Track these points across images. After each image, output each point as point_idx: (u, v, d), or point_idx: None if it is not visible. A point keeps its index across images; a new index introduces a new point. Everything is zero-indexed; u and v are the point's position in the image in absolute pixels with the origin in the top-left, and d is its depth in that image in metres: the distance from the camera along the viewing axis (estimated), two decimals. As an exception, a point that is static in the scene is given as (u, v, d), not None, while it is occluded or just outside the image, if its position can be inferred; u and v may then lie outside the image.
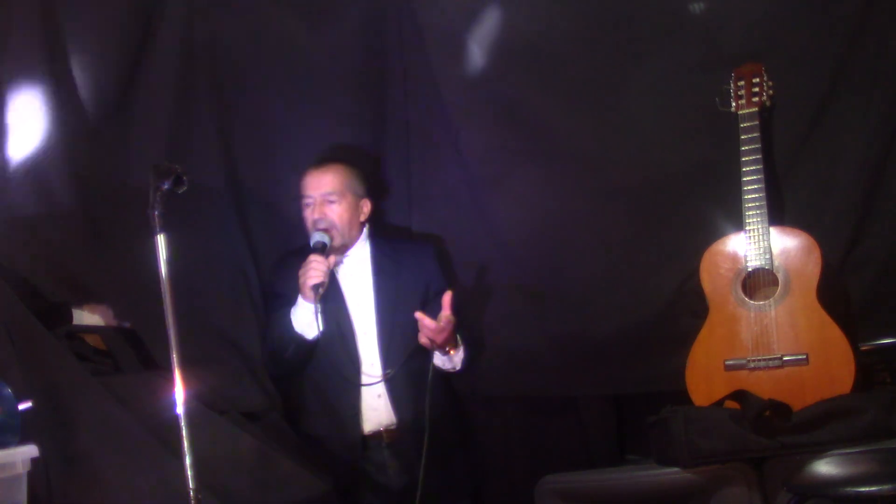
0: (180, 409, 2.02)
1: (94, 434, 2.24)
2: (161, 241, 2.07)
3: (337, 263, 2.86)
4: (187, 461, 2.00)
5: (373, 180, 3.01)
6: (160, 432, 2.32)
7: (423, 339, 2.64)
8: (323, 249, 2.74)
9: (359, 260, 2.88)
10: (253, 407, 2.82)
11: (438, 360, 2.73)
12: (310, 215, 2.82)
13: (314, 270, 2.69)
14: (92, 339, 2.66)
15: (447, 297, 2.62)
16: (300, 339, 2.76)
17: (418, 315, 2.61)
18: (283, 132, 3.08)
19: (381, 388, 2.77)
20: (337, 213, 2.81)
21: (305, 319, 2.74)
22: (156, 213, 2.08)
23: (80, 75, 2.72)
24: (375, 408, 2.77)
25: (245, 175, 3.02)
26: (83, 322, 2.70)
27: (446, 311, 2.61)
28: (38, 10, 2.59)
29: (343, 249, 2.86)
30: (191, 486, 2.00)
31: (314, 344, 2.78)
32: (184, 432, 2.01)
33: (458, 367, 2.77)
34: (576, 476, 2.65)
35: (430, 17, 3.02)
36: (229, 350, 2.86)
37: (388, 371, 2.75)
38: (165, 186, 2.08)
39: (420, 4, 3.03)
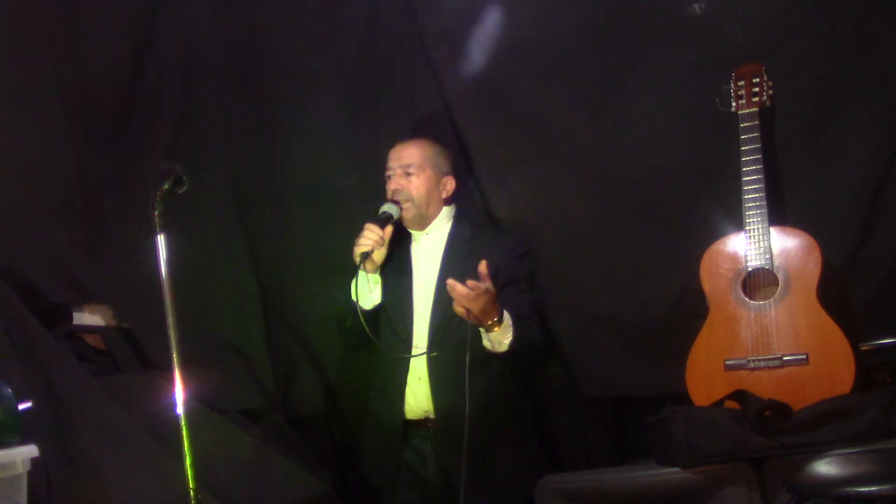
0: (180, 409, 2.03)
1: (94, 434, 2.24)
2: (161, 241, 2.08)
3: (412, 240, 2.85)
4: (187, 461, 2.00)
5: (461, 161, 2.99)
6: (160, 432, 2.32)
7: (457, 308, 2.48)
8: (388, 220, 2.73)
9: (436, 239, 2.84)
10: (253, 407, 2.82)
11: (486, 340, 2.58)
12: (389, 186, 2.82)
13: (364, 238, 2.69)
14: (92, 339, 2.66)
15: (482, 266, 2.44)
16: (356, 308, 2.72)
17: (449, 281, 2.45)
18: (283, 133, 3.08)
19: (423, 372, 2.69)
20: (415, 185, 2.80)
21: (363, 288, 2.74)
22: (156, 213, 2.08)
23: (81, 76, 2.72)
24: (416, 392, 2.70)
25: (245, 175, 3.03)
26: (83, 322, 2.70)
27: (482, 280, 2.44)
28: (43, 11, 2.60)
29: (422, 224, 2.83)
30: (191, 486, 2.00)
31: (374, 315, 2.76)
32: (184, 432, 2.01)
33: (505, 347, 2.56)
34: (576, 476, 2.65)
35: (430, 17, 3.03)
36: (229, 350, 2.86)
37: (433, 352, 2.67)
38: (165, 186, 2.09)
39: (420, 4, 3.03)
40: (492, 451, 2.66)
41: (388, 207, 2.76)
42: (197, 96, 2.94)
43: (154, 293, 2.11)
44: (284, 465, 2.70)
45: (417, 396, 2.70)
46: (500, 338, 2.56)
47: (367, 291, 2.72)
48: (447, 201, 2.88)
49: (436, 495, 2.70)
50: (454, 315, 2.53)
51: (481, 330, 2.55)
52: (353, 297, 2.76)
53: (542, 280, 2.94)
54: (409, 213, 2.80)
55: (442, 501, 2.64)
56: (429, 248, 2.85)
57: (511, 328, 2.56)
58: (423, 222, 2.84)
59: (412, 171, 2.81)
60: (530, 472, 2.66)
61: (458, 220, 2.87)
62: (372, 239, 2.69)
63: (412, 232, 2.88)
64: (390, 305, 2.80)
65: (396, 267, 2.83)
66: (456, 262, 2.74)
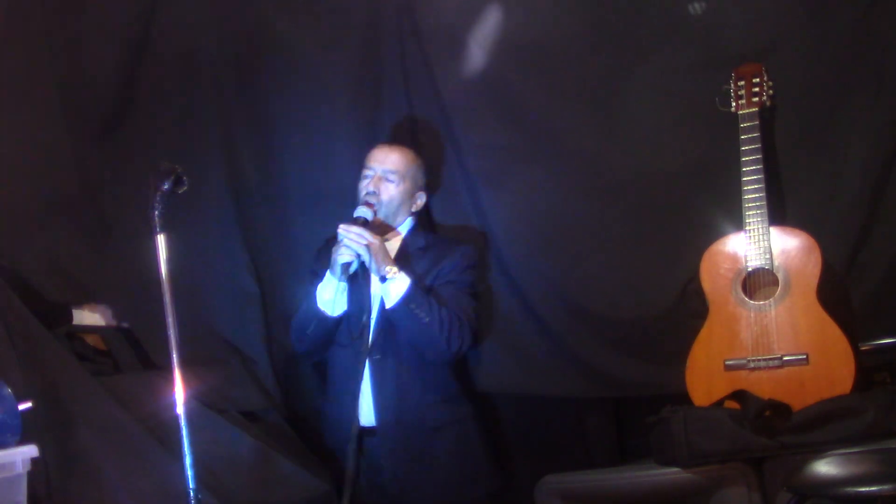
0: (180, 409, 2.03)
1: (93, 434, 2.24)
2: (161, 241, 2.08)
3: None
4: (187, 461, 2.00)
5: (454, 162, 2.99)
6: (160, 432, 2.32)
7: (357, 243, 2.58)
8: (364, 225, 2.67)
9: (391, 247, 2.79)
10: (253, 407, 2.82)
11: (385, 294, 2.62)
12: (364, 185, 2.77)
13: (352, 243, 2.60)
14: (92, 339, 2.67)
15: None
16: (321, 316, 2.70)
17: (342, 226, 2.58)
18: (283, 132, 3.08)
19: (370, 377, 2.69)
20: (390, 192, 2.76)
21: (329, 296, 2.69)
22: (156, 213, 2.08)
23: (81, 76, 2.72)
24: (369, 398, 2.69)
25: (245, 175, 3.03)
26: (83, 322, 2.70)
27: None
28: (43, 10, 2.60)
29: (382, 231, 2.77)
30: (191, 486, 2.00)
31: (336, 323, 2.73)
32: (184, 432, 2.01)
33: (397, 298, 2.60)
34: (576, 476, 2.65)
35: (430, 17, 3.02)
36: (229, 350, 2.86)
37: (376, 356, 2.67)
38: (165, 186, 2.09)
39: (420, 4, 3.03)
40: (436, 456, 2.69)
41: (362, 211, 2.69)
42: (196, 96, 2.94)
43: (154, 293, 2.11)
44: (284, 465, 2.70)
45: (369, 403, 2.70)
46: (398, 287, 2.60)
47: (337, 300, 2.67)
48: (413, 215, 2.87)
49: (395, 502, 2.70)
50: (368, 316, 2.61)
51: (383, 287, 2.60)
52: (319, 305, 2.70)
53: (542, 280, 2.94)
54: (378, 217, 2.76)
55: None
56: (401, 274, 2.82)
57: (409, 284, 2.60)
58: (384, 230, 2.79)
59: (392, 178, 2.78)
60: (487, 473, 2.79)
61: (414, 231, 2.86)
62: (361, 243, 2.60)
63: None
64: (351, 312, 2.75)
65: (358, 274, 2.76)
66: (405, 269, 2.69)
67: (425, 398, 2.70)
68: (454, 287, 2.74)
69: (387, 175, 2.77)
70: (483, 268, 2.93)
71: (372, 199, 2.74)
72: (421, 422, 2.69)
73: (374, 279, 2.74)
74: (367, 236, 2.61)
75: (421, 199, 2.87)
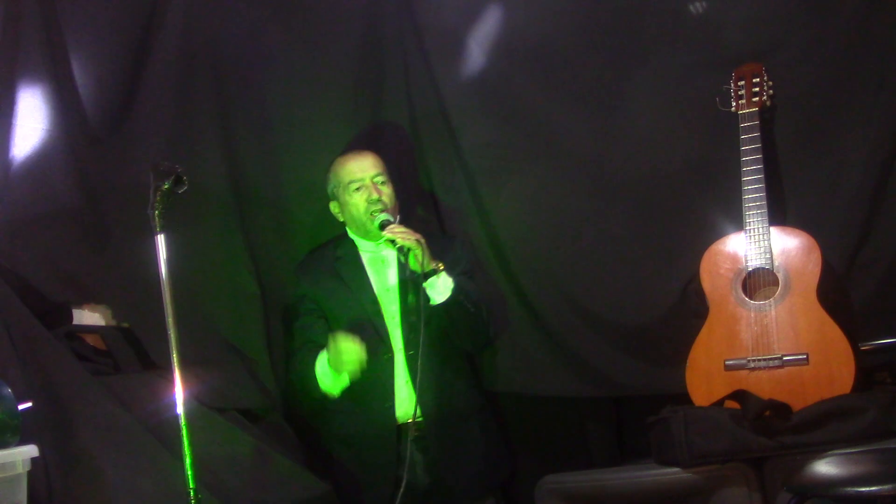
0: (180, 409, 2.03)
1: (94, 434, 2.24)
2: (161, 241, 2.08)
3: (359, 251, 2.87)
4: (187, 461, 2.00)
5: (455, 161, 3.04)
6: (160, 432, 2.32)
7: (408, 239, 2.61)
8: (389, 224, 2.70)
9: (388, 253, 2.83)
10: (253, 407, 2.82)
11: (432, 290, 2.65)
12: (365, 196, 2.77)
13: (404, 237, 2.62)
14: (92, 339, 2.66)
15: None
16: (326, 392, 2.72)
17: (388, 227, 2.64)
18: (283, 132, 3.08)
19: (405, 376, 2.74)
20: (387, 194, 2.80)
21: (329, 381, 2.69)
22: (156, 213, 2.08)
23: (81, 76, 2.72)
24: (402, 397, 2.74)
25: (245, 175, 3.02)
26: (83, 322, 2.70)
27: None
28: (41, 13, 2.60)
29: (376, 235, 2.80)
30: (191, 486, 2.00)
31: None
32: (184, 432, 2.01)
33: (449, 292, 2.64)
34: (576, 476, 2.65)
35: (430, 17, 3.03)
36: (229, 350, 2.86)
37: (410, 352, 2.71)
38: (165, 186, 2.09)
39: (420, 4, 3.04)
40: (471, 449, 2.78)
41: (384, 216, 2.72)
42: (197, 96, 2.94)
43: (154, 293, 2.11)
44: (284, 465, 2.70)
45: (404, 402, 2.73)
46: (445, 282, 2.64)
47: (337, 383, 2.68)
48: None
49: (422, 498, 2.72)
50: (420, 314, 2.63)
51: (427, 283, 2.62)
52: (321, 386, 2.71)
53: (542, 279, 2.94)
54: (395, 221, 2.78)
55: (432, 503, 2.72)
56: (378, 258, 2.86)
57: (452, 278, 2.66)
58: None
59: (382, 179, 2.81)
60: (498, 465, 2.89)
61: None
62: (411, 239, 2.62)
63: (362, 241, 2.87)
64: (357, 318, 2.78)
65: (349, 281, 2.82)
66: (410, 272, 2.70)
67: (454, 389, 2.78)
68: (467, 277, 2.81)
69: (376, 179, 2.79)
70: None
71: (379, 207, 2.75)
72: (456, 411, 2.77)
73: (374, 279, 2.78)
74: (413, 233, 2.65)
75: (395, 197, 2.88)
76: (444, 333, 2.75)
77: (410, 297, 2.72)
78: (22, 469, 1.95)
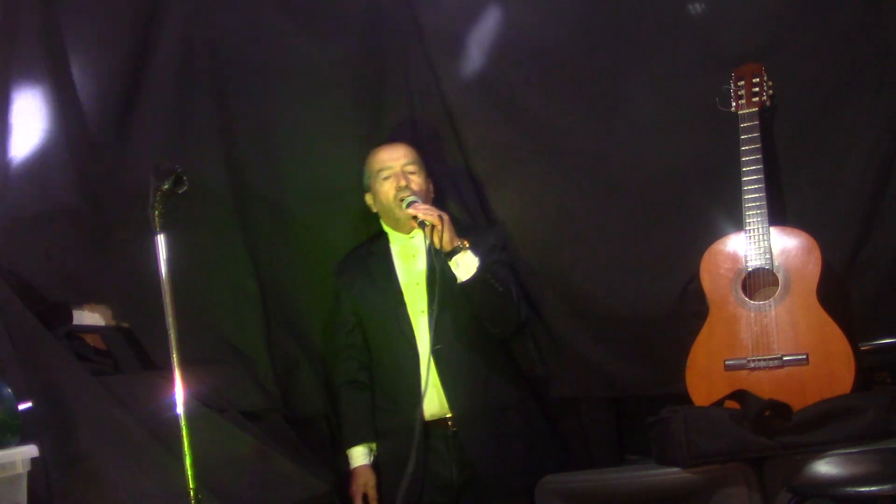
0: (180, 409, 2.03)
1: (94, 434, 2.24)
2: (161, 241, 2.08)
3: (390, 243, 2.85)
4: (187, 461, 2.00)
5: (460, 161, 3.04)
6: (160, 432, 2.32)
7: (432, 216, 2.58)
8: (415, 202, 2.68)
9: (418, 242, 2.81)
10: (253, 407, 2.82)
11: (456, 269, 2.60)
12: (394, 184, 2.77)
13: (426, 213, 2.59)
14: (92, 339, 2.66)
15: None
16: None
17: (412, 206, 2.62)
18: (283, 132, 3.08)
19: (433, 370, 2.67)
20: (417, 182, 2.79)
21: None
22: (156, 213, 2.08)
23: (81, 76, 2.72)
24: (431, 393, 2.69)
25: (245, 175, 3.02)
26: (83, 322, 2.70)
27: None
28: (41, 12, 2.60)
29: (409, 227, 2.78)
30: (191, 486, 2.00)
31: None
32: (184, 432, 2.01)
33: (473, 269, 2.59)
34: (576, 476, 2.65)
35: (430, 17, 3.03)
36: (229, 350, 2.86)
37: (437, 346, 2.64)
38: (165, 186, 2.09)
39: (420, 4, 3.04)
40: (509, 445, 2.73)
41: (411, 198, 2.69)
42: (197, 95, 2.94)
43: (154, 293, 2.11)
44: (284, 465, 2.70)
45: (433, 397, 2.70)
46: (470, 261, 2.59)
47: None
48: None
49: (456, 494, 2.72)
50: (454, 310, 2.63)
51: (451, 262, 2.58)
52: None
53: (542, 280, 2.94)
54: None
55: (467, 499, 2.71)
56: (408, 249, 2.85)
57: (477, 258, 2.60)
58: (412, 226, 2.77)
59: (413, 168, 2.81)
60: (535, 465, 2.74)
61: None
62: (433, 215, 2.58)
63: (394, 234, 2.87)
64: (380, 314, 2.80)
65: (378, 275, 2.82)
66: (439, 256, 2.66)
67: (488, 383, 2.75)
68: (499, 266, 2.76)
69: (406, 168, 2.79)
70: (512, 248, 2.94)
71: (407, 193, 2.74)
72: (492, 404, 2.74)
73: (400, 273, 2.80)
74: (437, 210, 2.62)
75: (432, 187, 2.89)
76: (476, 324, 2.71)
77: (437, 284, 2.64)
78: (22, 469, 1.95)
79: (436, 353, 2.63)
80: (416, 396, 2.62)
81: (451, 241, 2.59)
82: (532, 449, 2.79)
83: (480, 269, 2.60)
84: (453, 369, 2.70)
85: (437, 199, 2.95)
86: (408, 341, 2.76)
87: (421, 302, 2.78)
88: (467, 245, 2.61)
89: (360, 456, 2.82)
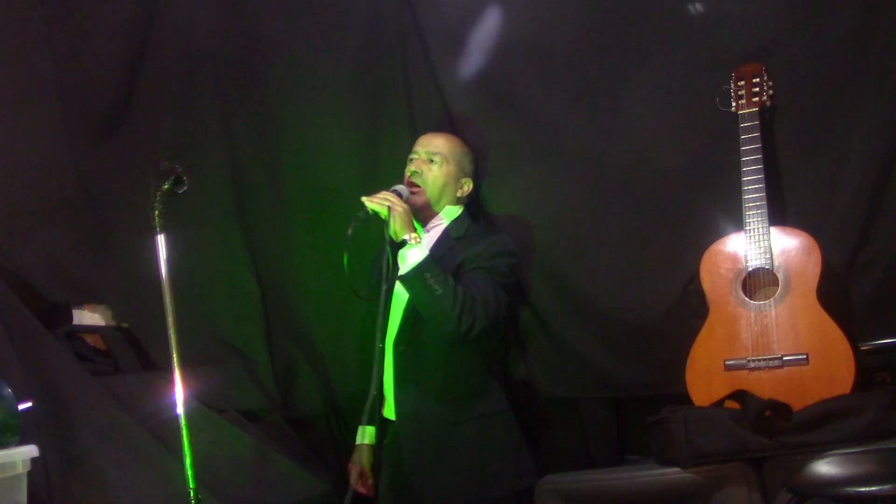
0: (180, 409, 2.03)
1: (94, 434, 2.24)
2: (161, 241, 2.08)
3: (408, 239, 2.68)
4: (187, 461, 2.00)
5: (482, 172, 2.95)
6: (160, 432, 2.32)
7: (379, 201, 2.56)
8: (398, 196, 2.63)
9: (433, 236, 2.76)
10: (253, 407, 2.82)
11: (401, 259, 2.56)
12: (409, 167, 2.75)
13: (377, 201, 2.56)
14: (92, 339, 2.67)
15: None
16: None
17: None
18: (283, 132, 3.08)
19: (390, 367, 2.63)
20: (434, 173, 2.74)
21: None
22: (156, 213, 2.08)
23: (82, 76, 2.73)
24: (388, 392, 2.65)
25: (246, 175, 3.03)
26: (83, 322, 2.70)
27: None
28: (42, 12, 2.60)
29: (425, 218, 2.75)
30: (191, 486, 2.00)
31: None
32: (184, 432, 2.01)
33: (414, 263, 2.53)
34: (576, 476, 2.65)
35: (430, 17, 3.03)
36: (229, 350, 2.86)
37: (401, 347, 2.61)
38: (165, 186, 2.09)
39: (420, 4, 3.03)
40: (454, 451, 2.62)
41: (399, 187, 2.68)
42: (196, 95, 2.95)
43: (154, 293, 2.11)
44: (284, 465, 2.70)
45: (389, 395, 2.66)
46: (415, 256, 2.54)
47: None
48: (460, 202, 2.82)
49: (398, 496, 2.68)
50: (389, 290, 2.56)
51: (399, 253, 2.55)
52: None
53: (543, 279, 2.94)
54: (418, 199, 2.72)
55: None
56: (418, 248, 2.75)
57: (426, 253, 2.55)
58: (427, 216, 2.75)
59: (436, 159, 2.75)
60: (497, 469, 2.64)
61: (460, 220, 2.78)
62: (384, 204, 2.55)
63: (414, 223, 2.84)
64: (375, 298, 2.67)
65: (376, 269, 2.73)
66: (436, 253, 2.64)
67: (446, 392, 2.63)
68: (478, 273, 2.63)
69: (431, 156, 2.76)
70: (521, 260, 2.81)
71: (414, 178, 2.72)
72: (440, 416, 2.61)
73: (402, 266, 2.70)
74: (392, 200, 2.57)
75: (468, 186, 2.82)
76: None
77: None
78: (22, 469, 1.95)
79: (398, 353, 2.61)
80: (379, 391, 2.61)
81: (399, 234, 2.55)
82: (488, 464, 2.63)
83: (419, 266, 2.52)
84: (412, 374, 2.62)
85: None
86: (381, 336, 2.61)
87: (402, 295, 2.68)
88: (419, 239, 2.57)
89: (362, 435, 2.79)
